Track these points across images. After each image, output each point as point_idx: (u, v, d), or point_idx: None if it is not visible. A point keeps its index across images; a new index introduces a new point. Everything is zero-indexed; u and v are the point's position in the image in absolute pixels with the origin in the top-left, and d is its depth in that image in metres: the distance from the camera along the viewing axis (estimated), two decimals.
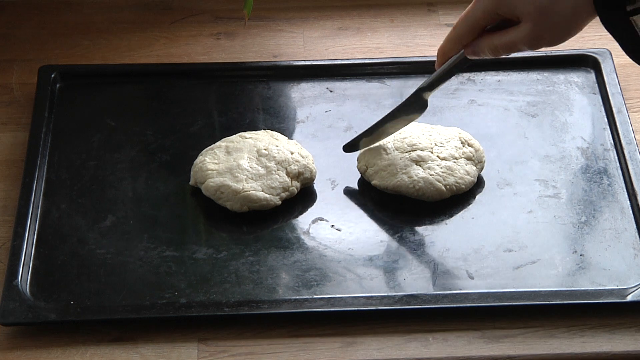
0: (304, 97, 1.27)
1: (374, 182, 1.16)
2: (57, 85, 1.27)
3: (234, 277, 1.08)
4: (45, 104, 1.24)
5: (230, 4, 1.39)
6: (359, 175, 1.18)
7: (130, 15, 1.39)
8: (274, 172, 1.15)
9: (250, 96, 1.27)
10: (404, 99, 1.15)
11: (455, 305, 1.06)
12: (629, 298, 1.06)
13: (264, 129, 1.21)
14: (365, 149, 1.18)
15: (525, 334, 1.04)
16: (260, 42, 1.35)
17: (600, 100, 1.25)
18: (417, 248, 1.11)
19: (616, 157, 1.19)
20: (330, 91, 1.27)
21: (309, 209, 1.15)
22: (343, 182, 1.18)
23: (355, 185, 1.18)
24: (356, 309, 1.06)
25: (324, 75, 1.29)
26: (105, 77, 1.29)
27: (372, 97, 1.27)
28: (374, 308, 1.06)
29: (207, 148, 1.18)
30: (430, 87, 1.13)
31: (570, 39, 1.35)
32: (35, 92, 1.25)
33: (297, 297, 1.07)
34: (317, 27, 1.37)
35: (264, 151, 1.16)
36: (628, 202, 1.15)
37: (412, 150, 1.16)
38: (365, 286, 1.08)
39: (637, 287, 1.07)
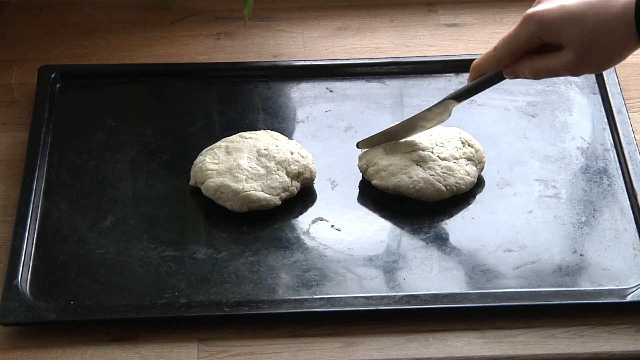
0: (304, 97, 1.27)
1: (374, 181, 1.16)
2: (57, 85, 1.27)
3: (234, 277, 1.08)
4: (45, 104, 1.24)
5: (230, 4, 1.39)
6: (359, 175, 1.18)
7: (130, 15, 1.39)
8: (274, 172, 1.15)
9: (250, 96, 1.27)
10: (429, 106, 1.15)
11: (455, 305, 1.06)
12: (629, 298, 1.06)
13: (264, 129, 1.21)
14: (366, 149, 1.18)
15: (525, 334, 1.04)
16: (260, 42, 1.35)
17: (600, 100, 1.25)
18: (417, 248, 1.11)
19: (616, 157, 1.19)
20: (330, 91, 1.27)
21: (309, 209, 1.15)
22: (343, 182, 1.18)
23: (355, 185, 1.18)
24: (356, 309, 1.06)
25: (323, 75, 1.29)
26: (105, 77, 1.29)
27: (372, 97, 1.27)
28: (374, 308, 1.06)
29: (207, 148, 1.18)
30: (458, 98, 1.13)
31: None
32: (35, 92, 1.25)
33: (297, 297, 1.07)
34: (317, 27, 1.37)
35: (264, 151, 1.16)
36: (628, 202, 1.15)
37: (413, 151, 1.16)
38: (365, 286, 1.08)
39: (637, 287, 1.07)
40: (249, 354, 1.03)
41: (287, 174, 1.15)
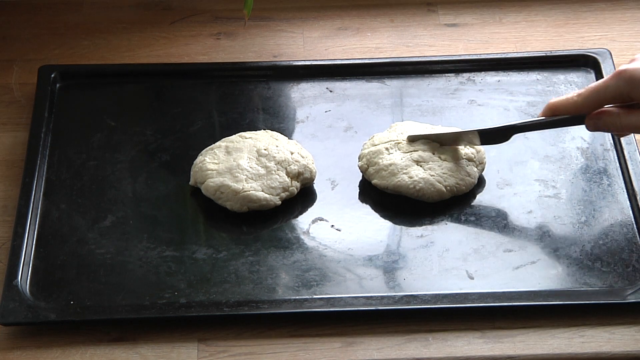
0: (303, 97, 1.27)
1: (375, 181, 1.16)
2: (57, 85, 1.27)
3: (234, 277, 1.08)
4: (45, 104, 1.24)
5: (230, 4, 1.39)
6: (359, 175, 1.18)
7: (130, 15, 1.39)
8: (273, 172, 1.15)
9: (250, 96, 1.27)
10: (490, 126, 1.15)
11: (455, 305, 1.06)
12: (629, 298, 1.06)
13: (264, 129, 1.21)
14: (368, 149, 1.18)
15: (525, 334, 1.04)
16: (260, 42, 1.35)
17: None
18: (417, 248, 1.11)
19: (616, 157, 1.19)
20: (330, 91, 1.27)
21: (309, 209, 1.15)
22: (343, 182, 1.18)
23: (355, 185, 1.18)
24: (356, 309, 1.06)
25: (323, 75, 1.29)
26: (105, 77, 1.29)
27: (372, 97, 1.27)
28: (374, 308, 1.05)
29: (207, 148, 1.18)
30: (522, 129, 1.13)
31: (569, 39, 1.36)
32: (35, 92, 1.25)
33: (297, 297, 1.07)
34: (317, 27, 1.37)
35: (263, 151, 1.16)
36: (628, 202, 1.15)
37: (414, 151, 1.16)
38: (365, 286, 1.08)
39: (636, 287, 1.07)
40: (249, 354, 1.03)
41: (287, 174, 1.15)
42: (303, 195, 1.16)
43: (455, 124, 1.22)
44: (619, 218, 1.13)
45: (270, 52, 1.34)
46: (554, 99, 1.09)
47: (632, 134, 1.19)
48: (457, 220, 1.14)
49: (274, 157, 1.16)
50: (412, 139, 1.17)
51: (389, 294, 1.07)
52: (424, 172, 1.15)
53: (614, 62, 1.28)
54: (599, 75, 1.27)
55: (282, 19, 1.38)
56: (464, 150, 1.17)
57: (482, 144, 1.16)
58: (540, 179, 1.17)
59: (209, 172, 1.15)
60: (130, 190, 1.17)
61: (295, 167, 1.15)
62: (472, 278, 1.08)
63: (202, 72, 1.30)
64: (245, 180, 1.14)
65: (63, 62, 1.31)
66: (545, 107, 1.10)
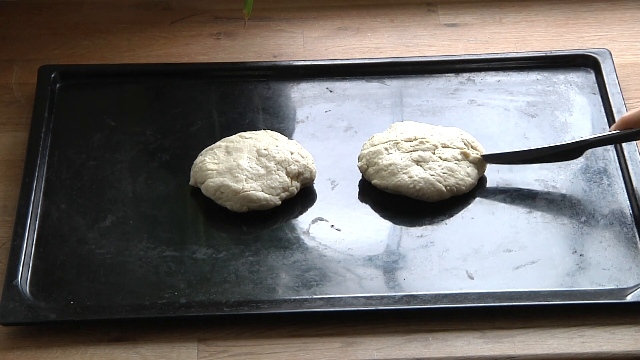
0: (303, 97, 1.27)
1: (374, 181, 1.15)
2: (57, 85, 1.27)
3: (234, 277, 1.08)
4: (45, 104, 1.24)
5: (230, 4, 1.39)
6: (359, 175, 1.18)
7: (130, 15, 1.39)
8: (273, 172, 1.15)
9: (250, 96, 1.27)
10: (561, 142, 1.15)
11: (455, 305, 1.06)
12: (629, 298, 1.06)
13: (264, 129, 1.21)
14: (368, 149, 1.18)
15: (525, 334, 1.04)
16: (260, 42, 1.35)
17: (600, 100, 1.25)
18: (417, 248, 1.11)
19: (616, 157, 1.19)
20: (330, 91, 1.27)
21: (309, 209, 1.15)
22: (343, 182, 1.18)
23: (355, 185, 1.18)
24: (356, 309, 1.06)
25: (323, 75, 1.29)
26: (105, 77, 1.29)
27: (371, 97, 1.27)
28: (374, 308, 1.05)
29: (207, 148, 1.18)
30: (594, 145, 1.14)
31: (569, 39, 1.36)
32: (35, 92, 1.25)
33: (297, 297, 1.07)
34: (317, 27, 1.37)
35: (263, 151, 1.16)
36: (628, 202, 1.15)
37: (414, 150, 1.16)
38: (365, 286, 1.08)
39: (636, 287, 1.07)
40: (249, 354, 1.03)
41: (287, 174, 1.15)
42: (303, 195, 1.16)
43: (455, 124, 1.22)
44: (619, 218, 1.13)
45: (270, 52, 1.34)
46: (627, 113, 1.10)
47: None
48: (457, 220, 1.14)
49: (274, 157, 1.16)
50: (487, 159, 1.17)
51: (389, 294, 1.07)
52: (423, 172, 1.15)
53: (614, 62, 1.28)
54: (599, 75, 1.27)
55: (282, 19, 1.38)
56: (467, 152, 1.17)
57: (556, 160, 1.16)
58: (540, 179, 1.17)
59: (209, 172, 1.15)
60: (130, 190, 1.17)
61: (295, 167, 1.15)
62: (472, 278, 1.08)
63: (202, 72, 1.29)
64: (245, 180, 1.14)
65: (63, 62, 1.31)
66: (619, 120, 1.11)
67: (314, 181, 1.17)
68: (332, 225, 1.13)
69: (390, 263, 1.10)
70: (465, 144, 1.17)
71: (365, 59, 1.31)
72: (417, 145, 1.17)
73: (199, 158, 1.17)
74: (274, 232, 1.13)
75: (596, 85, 1.27)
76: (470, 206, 1.15)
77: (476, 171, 1.16)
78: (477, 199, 1.16)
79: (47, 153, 1.20)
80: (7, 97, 1.28)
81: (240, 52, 1.34)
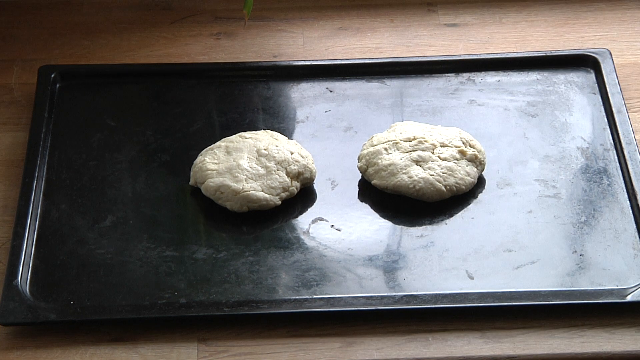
0: (303, 97, 1.27)
1: (374, 181, 1.15)
2: (57, 85, 1.27)
3: (234, 277, 1.08)
4: (45, 104, 1.24)
5: (230, 4, 1.39)
6: (359, 175, 1.18)
7: (130, 15, 1.39)
8: (273, 172, 1.15)
9: (250, 96, 1.27)
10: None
11: (455, 305, 1.06)
12: (629, 298, 1.06)
13: (264, 129, 1.21)
14: (367, 150, 1.18)
15: (525, 334, 1.04)
16: (260, 42, 1.35)
17: (600, 100, 1.25)
18: (417, 248, 1.11)
19: (616, 157, 1.19)
20: (330, 91, 1.27)
21: (309, 209, 1.15)
22: (343, 182, 1.18)
23: (355, 185, 1.18)
24: (356, 309, 1.06)
25: (323, 75, 1.29)
26: (105, 77, 1.29)
27: (372, 97, 1.27)
28: (374, 308, 1.05)
29: (207, 148, 1.18)
30: None
31: (569, 39, 1.36)
32: (35, 92, 1.25)
33: (297, 297, 1.07)
34: (317, 27, 1.37)
35: (263, 151, 1.16)
36: (628, 202, 1.15)
37: (413, 150, 1.16)
38: (365, 286, 1.08)
39: (636, 287, 1.07)
40: (249, 354, 1.03)
41: (287, 174, 1.15)
42: (303, 195, 1.16)
43: (455, 124, 1.22)
44: (619, 218, 1.13)
45: (270, 52, 1.34)
46: None
47: (632, 134, 1.19)
48: (457, 220, 1.14)
49: (274, 157, 1.16)
50: None
51: (389, 294, 1.07)
52: (423, 172, 1.15)
53: (614, 62, 1.28)
54: (599, 75, 1.27)
55: (282, 19, 1.38)
56: (464, 149, 1.17)
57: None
58: (540, 179, 1.17)
59: (209, 172, 1.15)
60: (130, 190, 1.17)
61: (295, 167, 1.15)
62: (472, 278, 1.08)
63: (202, 72, 1.30)
64: (245, 180, 1.14)
65: (63, 62, 1.31)
66: None
67: (314, 181, 1.17)
68: (332, 225, 1.13)
69: (390, 263, 1.10)
70: (463, 143, 1.17)
71: (365, 59, 1.31)
72: (416, 145, 1.17)
73: (199, 158, 1.17)
74: (274, 232, 1.13)
75: (596, 85, 1.27)
76: (470, 206, 1.15)
77: (475, 170, 1.16)
78: (477, 199, 1.16)
79: (47, 153, 1.20)
80: (7, 97, 1.28)
81: (240, 52, 1.34)
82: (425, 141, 1.17)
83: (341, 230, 1.13)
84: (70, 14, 1.38)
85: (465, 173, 1.15)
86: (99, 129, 1.23)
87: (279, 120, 1.24)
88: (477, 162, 1.17)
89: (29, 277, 1.08)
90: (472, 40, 1.35)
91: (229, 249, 1.11)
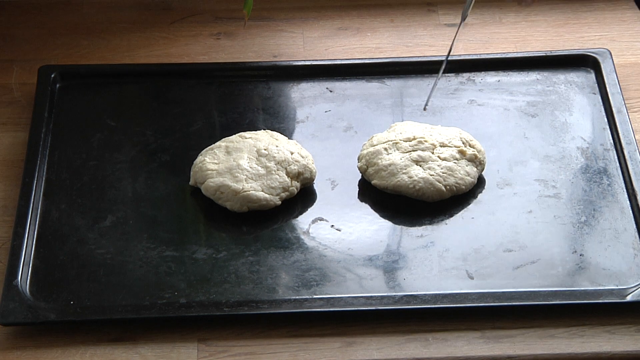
0: (303, 97, 1.27)
1: (374, 181, 1.15)
2: (57, 85, 1.27)
3: (234, 277, 1.08)
4: (45, 104, 1.24)
5: (230, 4, 1.39)
6: (359, 175, 1.18)
7: (130, 15, 1.39)
8: (273, 172, 1.15)
9: (250, 96, 1.27)
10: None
11: (455, 305, 1.06)
12: (629, 298, 1.06)
13: (264, 129, 1.21)
14: (367, 150, 1.18)
15: (525, 334, 1.04)
16: (260, 42, 1.35)
17: (600, 100, 1.25)
18: (417, 248, 1.11)
19: (616, 157, 1.19)
20: (330, 91, 1.27)
21: (309, 209, 1.15)
22: (343, 182, 1.18)
23: (355, 185, 1.18)
24: (356, 309, 1.06)
25: (323, 75, 1.29)
26: (105, 77, 1.29)
27: (372, 97, 1.27)
28: (374, 308, 1.05)
29: (207, 148, 1.18)
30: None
31: (569, 39, 1.36)
32: (35, 92, 1.25)
33: (297, 297, 1.07)
34: (317, 27, 1.37)
35: (263, 151, 1.16)
36: (628, 202, 1.15)
37: (413, 150, 1.16)
38: (365, 286, 1.08)
39: (636, 287, 1.07)
40: (249, 354, 1.03)
41: (287, 174, 1.15)
42: (303, 195, 1.16)
43: (455, 124, 1.22)
44: (619, 218, 1.13)
45: (270, 52, 1.34)
46: None
47: (632, 134, 1.19)
48: (457, 220, 1.14)
49: (274, 157, 1.16)
50: None
51: (389, 294, 1.07)
52: (423, 172, 1.15)
53: (614, 62, 1.28)
54: (599, 75, 1.27)
55: (282, 19, 1.38)
56: (464, 149, 1.17)
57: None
58: (540, 179, 1.17)
59: (209, 172, 1.15)
60: (130, 190, 1.17)
61: (295, 167, 1.15)
62: (472, 278, 1.08)
63: (202, 72, 1.30)
64: (245, 180, 1.14)
65: (63, 62, 1.31)
66: None
67: (314, 181, 1.17)
68: (332, 225, 1.13)
69: (390, 263, 1.10)
70: (463, 143, 1.17)
71: (365, 59, 1.31)
72: (416, 145, 1.17)
73: (199, 158, 1.17)
74: (274, 232, 1.13)
75: (596, 85, 1.27)
76: (470, 206, 1.15)
77: (475, 170, 1.16)
78: (477, 199, 1.16)
79: (47, 153, 1.20)
80: (7, 97, 1.28)
81: (240, 52, 1.34)
82: (425, 141, 1.17)
83: (341, 230, 1.13)
84: (70, 14, 1.38)
85: (465, 173, 1.15)
86: (99, 129, 1.23)
87: (279, 120, 1.24)
88: (477, 162, 1.17)
89: (29, 277, 1.08)
90: (472, 40, 1.35)
91: (229, 249, 1.11)
